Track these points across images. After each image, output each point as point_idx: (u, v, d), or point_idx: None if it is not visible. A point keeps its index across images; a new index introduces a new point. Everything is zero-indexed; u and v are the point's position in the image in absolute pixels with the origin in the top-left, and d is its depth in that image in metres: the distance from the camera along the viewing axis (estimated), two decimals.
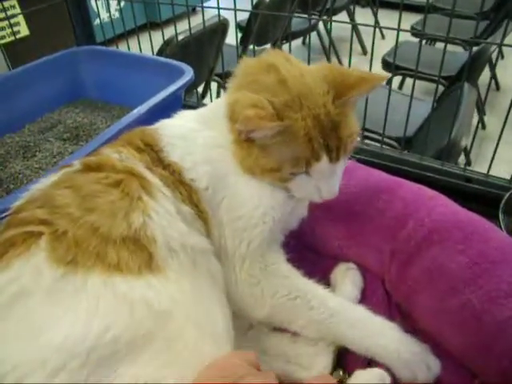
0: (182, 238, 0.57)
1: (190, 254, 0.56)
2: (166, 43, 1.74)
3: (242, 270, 0.64)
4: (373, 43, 0.90)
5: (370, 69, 1.02)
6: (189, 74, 1.07)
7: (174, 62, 1.15)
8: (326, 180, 0.62)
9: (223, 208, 0.64)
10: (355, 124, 0.62)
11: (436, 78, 2.37)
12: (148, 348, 0.47)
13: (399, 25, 0.87)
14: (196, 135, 0.67)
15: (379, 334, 0.61)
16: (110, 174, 0.58)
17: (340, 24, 1.15)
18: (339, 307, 0.62)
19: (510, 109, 0.85)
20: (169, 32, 1.55)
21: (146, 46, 1.36)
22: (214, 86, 2.55)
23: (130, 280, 0.50)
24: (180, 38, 1.75)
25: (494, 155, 0.90)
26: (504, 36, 0.83)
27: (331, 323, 0.61)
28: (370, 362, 0.61)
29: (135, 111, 0.95)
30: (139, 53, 1.31)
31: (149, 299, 0.49)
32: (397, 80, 3.08)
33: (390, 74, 0.62)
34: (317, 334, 0.62)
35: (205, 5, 1.21)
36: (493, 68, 3.27)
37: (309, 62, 1.06)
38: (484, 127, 2.99)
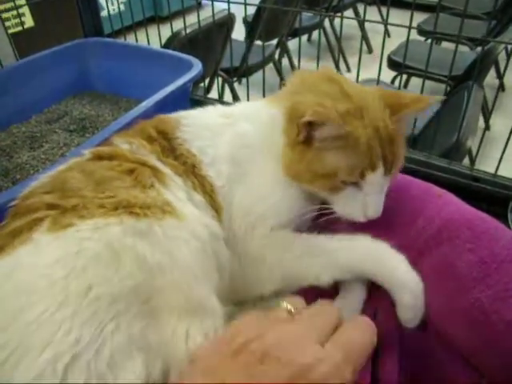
0: (197, 218, 0.57)
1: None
2: (173, 36, 1.74)
3: (251, 242, 0.63)
4: (383, 41, 0.90)
5: (380, 67, 1.02)
6: (197, 67, 1.07)
7: (183, 55, 1.15)
8: (375, 195, 0.61)
9: (236, 203, 0.64)
10: (404, 144, 0.64)
11: (442, 78, 2.38)
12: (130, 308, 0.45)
13: (411, 23, 0.87)
14: (224, 130, 0.66)
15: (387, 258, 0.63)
16: (122, 163, 0.57)
17: (345, 22, 1.14)
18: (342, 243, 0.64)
19: None
20: (175, 25, 1.55)
21: (152, 39, 1.36)
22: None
23: (127, 221, 0.49)
24: (188, 31, 1.75)
25: (502, 155, 0.89)
26: (499, 31, 0.82)
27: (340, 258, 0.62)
28: (376, 364, 0.61)
29: (143, 104, 0.95)
30: (147, 45, 1.30)
31: (140, 250, 0.48)
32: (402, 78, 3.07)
33: (440, 97, 0.62)
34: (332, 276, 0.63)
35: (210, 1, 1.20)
36: (498, 68, 3.27)
37: (318, 60, 1.06)
38: (488, 127, 2.98)
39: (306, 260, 0.62)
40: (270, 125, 0.65)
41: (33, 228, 0.49)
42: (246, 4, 1.06)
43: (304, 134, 0.59)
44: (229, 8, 1.22)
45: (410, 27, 0.87)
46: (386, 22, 0.90)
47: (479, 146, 0.96)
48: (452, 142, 1.22)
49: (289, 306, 0.46)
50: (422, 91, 1.04)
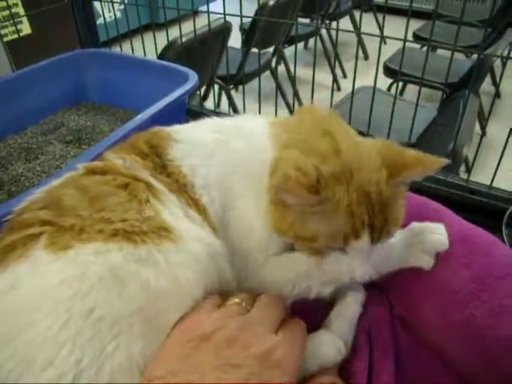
0: (197, 236, 0.56)
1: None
2: (170, 44, 1.75)
3: (249, 267, 0.63)
4: (379, 53, 0.90)
5: (376, 75, 1.03)
6: (193, 79, 1.07)
7: (179, 67, 1.16)
8: (362, 261, 0.57)
9: (230, 230, 0.62)
10: (402, 209, 0.58)
11: (437, 85, 2.39)
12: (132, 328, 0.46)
13: (406, 35, 0.87)
14: (216, 148, 0.63)
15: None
16: (116, 177, 0.57)
17: (342, 28, 1.15)
18: None
19: None
20: (171, 33, 1.55)
21: (149, 47, 1.37)
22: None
23: (126, 248, 0.49)
24: (183, 40, 1.76)
25: (497, 168, 0.90)
26: (511, 49, 0.83)
27: None
28: (370, 373, 0.61)
29: (139, 117, 0.95)
30: (144, 56, 1.31)
31: (144, 275, 0.48)
32: (398, 85, 3.09)
33: (446, 160, 0.61)
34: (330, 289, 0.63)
35: (210, 9, 1.20)
36: (494, 75, 3.29)
37: (314, 66, 1.06)
38: (484, 134, 2.99)
39: (303, 281, 0.62)
40: (261, 158, 0.60)
41: (27, 244, 0.49)
42: (241, 16, 1.06)
43: (279, 197, 0.55)
44: (225, 18, 1.22)
45: (404, 40, 0.88)
46: (381, 35, 0.90)
47: (475, 155, 0.96)
48: (448, 151, 1.22)
49: (237, 300, 0.53)
50: (417, 100, 1.04)
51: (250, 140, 0.64)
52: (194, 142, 0.65)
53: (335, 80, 3.59)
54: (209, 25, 1.31)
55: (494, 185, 0.95)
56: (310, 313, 0.61)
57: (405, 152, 0.56)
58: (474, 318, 0.59)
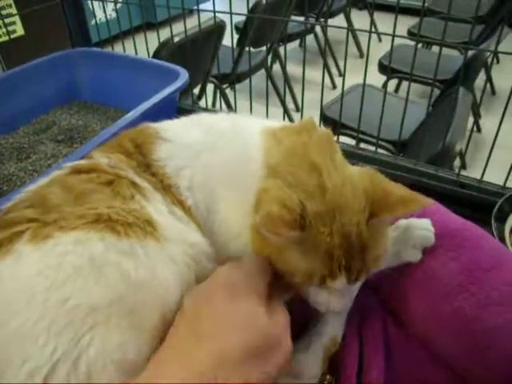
0: (180, 235, 0.56)
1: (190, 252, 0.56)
2: (162, 45, 1.75)
3: None
4: (368, 48, 0.91)
5: (366, 71, 1.03)
6: (184, 77, 1.07)
7: (170, 65, 1.15)
8: (338, 297, 0.56)
9: (215, 232, 0.62)
10: (384, 245, 0.57)
11: (430, 82, 2.39)
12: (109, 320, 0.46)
13: (394, 30, 0.87)
14: (203, 149, 0.62)
15: None
16: (101, 174, 0.57)
17: (337, 26, 1.14)
18: None
19: (504, 113, 0.85)
20: (166, 33, 1.55)
21: (143, 46, 1.36)
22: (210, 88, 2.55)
23: (109, 239, 0.48)
24: (176, 39, 1.76)
25: (487, 162, 0.90)
26: (498, 43, 0.83)
27: None
28: (360, 367, 0.61)
29: (129, 115, 0.95)
30: (135, 55, 1.31)
31: (124, 265, 0.48)
32: (393, 83, 3.09)
33: (431, 201, 0.60)
34: None
35: (201, 8, 1.20)
36: (488, 72, 3.29)
37: (304, 64, 1.06)
38: (479, 130, 3.00)
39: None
40: (250, 170, 0.59)
41: (13, 240, 0.49)
42: (231, 13, 1.06)
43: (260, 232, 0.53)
44: (214, 17, 1.22)
45: (393, 35, 0.88)
46: (370, 31, 0.91)
47: (465, 150, 0.97)
48: (440, 147, 1.22)
49: None
50: (407, 95, 1.04)
51: (241, 148, 0.62)
52: (181, 142, 0.63)
53: (330, 78, 3.60)
54: (199, 24, 1.31)
55: (488, 180, 0.95)
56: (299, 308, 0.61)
57: (391, 190, 0.55)
58: (463, 310, 0.59)
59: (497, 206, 0.77)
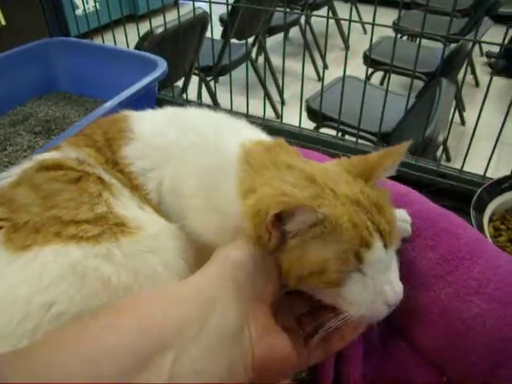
0: (152, 222, 0.56)
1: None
2: (144, 37, 1.72)
3: None
4: (348, 37, 0.90)
5: (346, 60, 1.02)
6: (162, 66, 1.05)
7: (149, 55, 1.14)
8: (386, 276, 0.50)
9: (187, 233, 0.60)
10: (393, 209, 0.54)
11: (416, 74, 2.40)
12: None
13: (374, 18, 0.86)
14: (174, 151, 0.60)
15: None
16: (67, 172, 0.57)
17: (323, 19, 1.13)
18: None
19: (482, 105, 0.85)
20: (148, 25, 1.54)
21: (129, 38, 1.34)
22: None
23: (85, 246, 0.49)
24: (160, 31, 1.74)
25: (467, 152, 0.90)
26: (477, 31, 0.83)
27: None
28: (339, 361, 0.60)
29: (107, 104, 0.93)
30: (113, 45, 1.28)
31: (105, 273, 0.48)
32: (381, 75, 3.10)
33: (407, 144, 0.59)
34: None
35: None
36: (471, 64, 3.31)
37: (284, 55, 1.05)
38: (463, 123, 3.02)
39: None
40: (225, 181, 0.55)
41: None
42: (210, 2, 1.05)
43: (276, 234, 0.47)
44: (194, 8, 1.20)
45: (373, 24, 0.87)
46: (350, 19, 0.90)
47: (445, 141, 0.97)
48: (422, 138, 1.22)
49: None
50: (387, 86, 1.04)
51: (220, 160, 0.58)
52: (152, 143, 0.61)
53: (316, 71, 3.59)
54: (178, 16, 1.30)
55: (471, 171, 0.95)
56: None
57: (367, 157, 0.55)
58: (440, 300, 0.58)
59: (475, 196, 0.77)
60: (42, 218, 0.51)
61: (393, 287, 0.50)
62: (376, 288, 0.48)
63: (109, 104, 0.93)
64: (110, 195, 0.56)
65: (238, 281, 0.46)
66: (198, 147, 0.60)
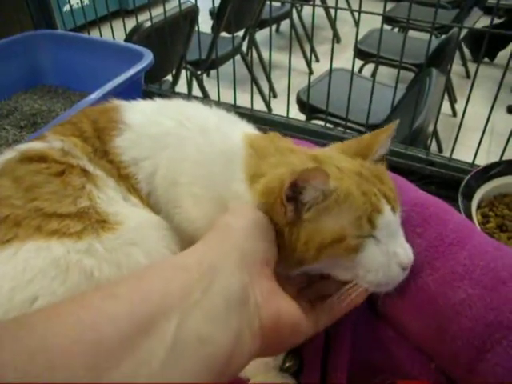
0: (134, 215, 0.56)
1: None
2: (133, 31, 1.71)
3: None
4: (334, 25, 0.89)
5: (332, 48, 1.01)
6: (148, 58, 1.04)
7: (135, 47, 1.13)
8: (396, 240, 0.54)
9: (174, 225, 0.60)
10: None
11: (407, 66, 2.40)
12: None
13: (360, 5, 0.86)
14: (169, 141, 0.60)
15: None
16: (51, 165, 0.56)
17: (314, 11, 1.12)
18: None
19: (469, 93, 0.85)
20: (142, 18, 1.53)
21: (116, 34, 1.33)
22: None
23: (68, 242, 0.49)
24: (149, 24, 1.72)
25: (455, 140, 0.90)
26: (462, 19, 0.82)
27: None
28: (328, 352, 0.60)
29: (92, 96, 0.93)
30: (99, 37, 1.27)
31: (87, 265, 0.48)
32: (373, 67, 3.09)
33: (393, 125, 0.60)
34: None
35: None
36: (462, 55, 3.31)
37: (270, 48, 1.04)
38: (455, 114, 3.02)
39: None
40: (230, 169, 0.56)
41: None
42: None
43: (291, 206, 0.50)
44: (180, 2, 1.19)
45: (359, 11, 0.86)
46: (336, 7, 0.89)
47: (433, 131, 0.96)
48: (413, 128, 1.22)
49: None
50: (374, 77, 1.03)
51: (226, 148, 0.59)
52: (146, 132, 0.61)
53: (307, 63, 3.57)
54: (164, 10, 1.28)
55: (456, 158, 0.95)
56: None
57: (359, 139, 0.59)
58: (427, 286, 0.58)
59: (464, 182, 0.77)
60: (24, 210, 0.50)
61: (404, 249, 0.54)
62: (389, 251, 0.52)
63: (94, 95, 0.92)
64: (94, 187, 0.55)
65: (241, 246, 0.46)
66: (199, 135, 0.60)
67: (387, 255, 0.52)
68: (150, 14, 1.27)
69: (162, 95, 1.20)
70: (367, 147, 0.58)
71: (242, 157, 0.57)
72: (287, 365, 0.60)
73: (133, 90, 1.00)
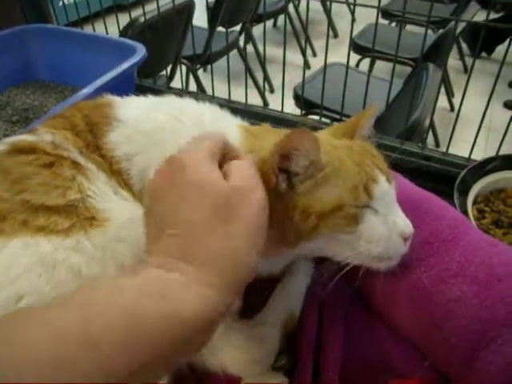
0: (125, 210, 0.55)
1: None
2: (127, 27, 1.69)
3: None
4: (329, 19, 0.88)
5: (327, 43, 1.00)
6: (141, 52, 1.03)
7: (128, 41, 1.11)
8: (394, 210, 0.55)
9: None
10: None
11: (404, 60, 2.39)
12: None
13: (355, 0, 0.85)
14: (164, 136, 0.59)
15: None
16: (41, 156, 0.55)
17: (311, 7, 1.12)
18: None
19: (466, 87, 0.84)
20: (138, 13, 1.52)
21: (113, 29, 1.31)
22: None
23: (55, 239, 0.48)
24: (143, 20, 1.70)
25: (451, 134, 0.89)
26: (459, 12, 0.81)
27: None
28: (319, 348, 0.59)
29: (84, 91, 0.91)
30: (92, 32, 1.25)
31: (75, 263, 0.48)
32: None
33: (376, 107, 0.61)
34: None
35: None
36: (459, 50, 3.30)
37: (264, 43, 1.03)
38: (452, 109, 3.02)
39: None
40: None
41: None
42: None
43: (284, 176, 0.51)
44: None
45: (354, 4, 0.85)
46: (330, 0, 0.88)
47: (429, 126, 0.96)
48: (409, 122, 1.21)
49: None
50: (369, 72, 1.02)
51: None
52: (140, 128, 0.60)
53: (304, 58, 3.56)
54: (158, 6, 1.27)
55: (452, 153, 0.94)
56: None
57: (345, 122, 0.63)
58: (421, 284, 0.57)
59: (459, 178, 0.76)
60: (11, 203, 0.50)
61: (403, 219, 0.55)
62: (388, 221, 0.53)
63: (86, 90, 0.91)
64: (85, 179, 0.54)
65: None
66: (194, 129, 0.59)
67: (387, 225, 0.53)
68: (144, 9, 1.26)
69: (156, 90, 1.19)
70: (352, 127, 0.61)
71: (238, 139, 0.59)
72: (279, 364, 0.59)
73: (125, 85, 0.99)
